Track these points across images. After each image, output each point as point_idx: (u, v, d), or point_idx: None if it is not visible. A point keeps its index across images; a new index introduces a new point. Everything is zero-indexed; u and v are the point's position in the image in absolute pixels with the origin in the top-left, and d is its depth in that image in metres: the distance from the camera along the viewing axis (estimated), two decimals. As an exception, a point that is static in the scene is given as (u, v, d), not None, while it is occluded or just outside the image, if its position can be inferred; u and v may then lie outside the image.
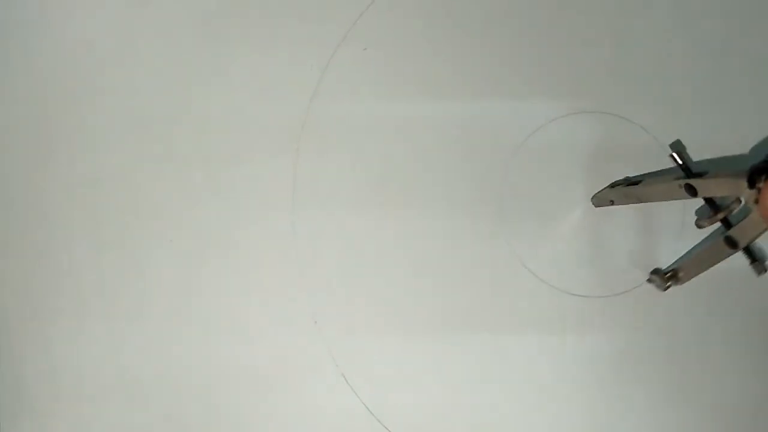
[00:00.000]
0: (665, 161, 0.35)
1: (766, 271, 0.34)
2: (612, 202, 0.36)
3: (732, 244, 0.33)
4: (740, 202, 0.32)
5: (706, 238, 0.36)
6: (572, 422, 0.36)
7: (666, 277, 0.35)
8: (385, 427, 0.36)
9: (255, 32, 0.38)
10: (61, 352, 0.37)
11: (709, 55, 0.36)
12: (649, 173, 0.36)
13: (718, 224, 0.34)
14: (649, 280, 0.36)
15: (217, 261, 0.37)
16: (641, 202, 0.35)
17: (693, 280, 0.35)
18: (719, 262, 0.34)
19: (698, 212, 0.36)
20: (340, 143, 0.38)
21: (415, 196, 0.37)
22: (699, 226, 0.34)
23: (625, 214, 0.36)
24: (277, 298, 0.37)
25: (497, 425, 0.36)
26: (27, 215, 0.38)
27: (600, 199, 0.36)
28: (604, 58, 0.37)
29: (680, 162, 0.34)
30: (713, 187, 0.32)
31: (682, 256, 0.36)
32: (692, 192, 0.33)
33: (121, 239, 0.37)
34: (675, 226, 0.36)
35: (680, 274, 0.35)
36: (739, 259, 0.35)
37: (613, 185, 0.36)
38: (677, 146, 0.36)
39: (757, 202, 0.28)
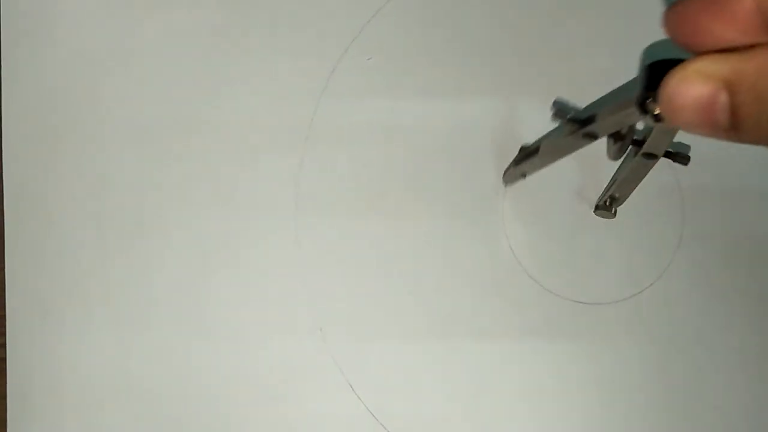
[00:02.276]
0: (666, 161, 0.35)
1: (688, 160, 0.33)
2: (524, 176, 0.36)
3: (652, 156, 0.32)
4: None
5: (624, 163, 0.34)
6: (576, 429, 0.37)
7: (608, 206, 0.36)
8: (391, 435, 0.37)
9: (259, 43, 0.38)
10: (68, 359, 0.37)
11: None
12: (543, 136, 0.35)
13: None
14: (599, 214, 0.36)
15: (222, 269, 0.37)
16: (549, 164, 0.35)
17: (692, 286, 0.36)
18: (646, 175, 0.33)
19: (608, 151, 0.34)
20: (343, 151, 0.38)
21: (418, 203, 0.37)
22: (615, 158, 0.33)
23: (625, 223, 0.37)
24: (281, 306, 0.37)
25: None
26: (33, 223, 0.38)
27: (510, 178, 0.36)
28: (603, 66, 0.37)
29: (567, 117, 0.33)
30: (610, 125, 0.31)
31: (609, 183, 0.35)
32: (593, 137, 0.32)
33: (126, 247, 0.37)
34: (674, 238, 0.37)
35: (617, 195, 0.35)
36: (741, 266, 0.36)
37: (516, 162, 0.35)
38: (557, 104, 0.35)
39: (658, 120, 0.27)
